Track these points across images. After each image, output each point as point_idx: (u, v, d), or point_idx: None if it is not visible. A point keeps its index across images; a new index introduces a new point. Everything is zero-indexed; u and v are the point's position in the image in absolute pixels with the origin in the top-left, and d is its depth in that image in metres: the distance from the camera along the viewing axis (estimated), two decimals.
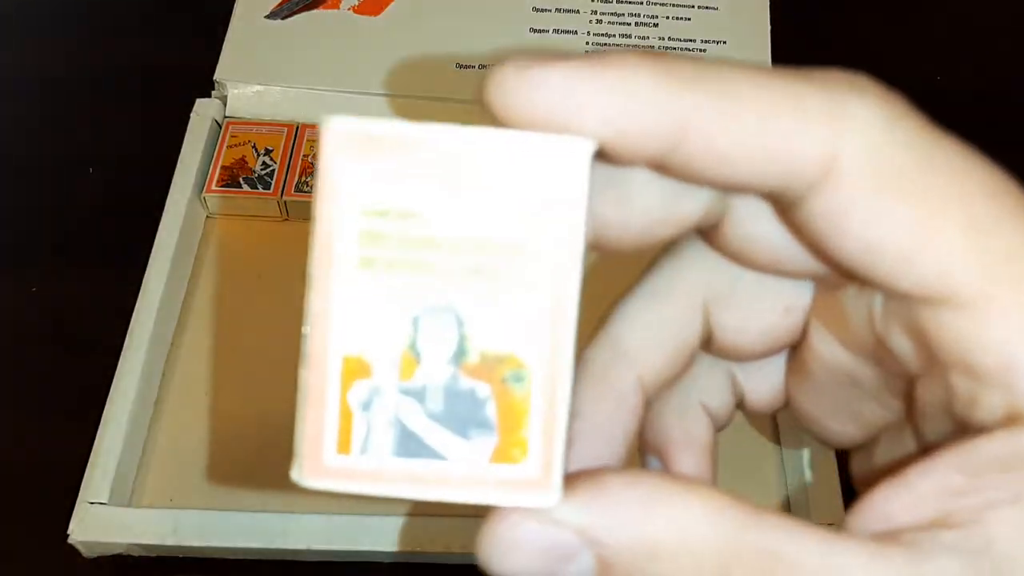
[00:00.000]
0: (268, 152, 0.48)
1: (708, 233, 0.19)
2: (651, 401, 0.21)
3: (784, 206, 0.17)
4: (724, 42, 0.50)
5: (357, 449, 0.15)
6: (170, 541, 0.37)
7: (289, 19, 0.51)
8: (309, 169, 0.47)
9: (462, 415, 0.15)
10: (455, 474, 0.15)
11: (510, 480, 0.15)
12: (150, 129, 0.50)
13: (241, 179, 0.47)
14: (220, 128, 0.49)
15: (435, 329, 0.15)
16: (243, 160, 0.48)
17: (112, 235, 0.47)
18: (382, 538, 0.37)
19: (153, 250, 0.44)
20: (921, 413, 0.19)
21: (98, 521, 0.37)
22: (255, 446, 0.41)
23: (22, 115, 0.52)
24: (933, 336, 0.17)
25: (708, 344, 0.21)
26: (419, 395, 0.15)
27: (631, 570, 0.16)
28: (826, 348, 0.20)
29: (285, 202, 0.47)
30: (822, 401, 0.21)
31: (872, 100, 0.16)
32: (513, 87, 0.16)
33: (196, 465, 0.41)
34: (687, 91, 0.16)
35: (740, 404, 0.23)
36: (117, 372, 0.41)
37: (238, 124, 0.49)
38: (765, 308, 0.20)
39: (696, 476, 0.21)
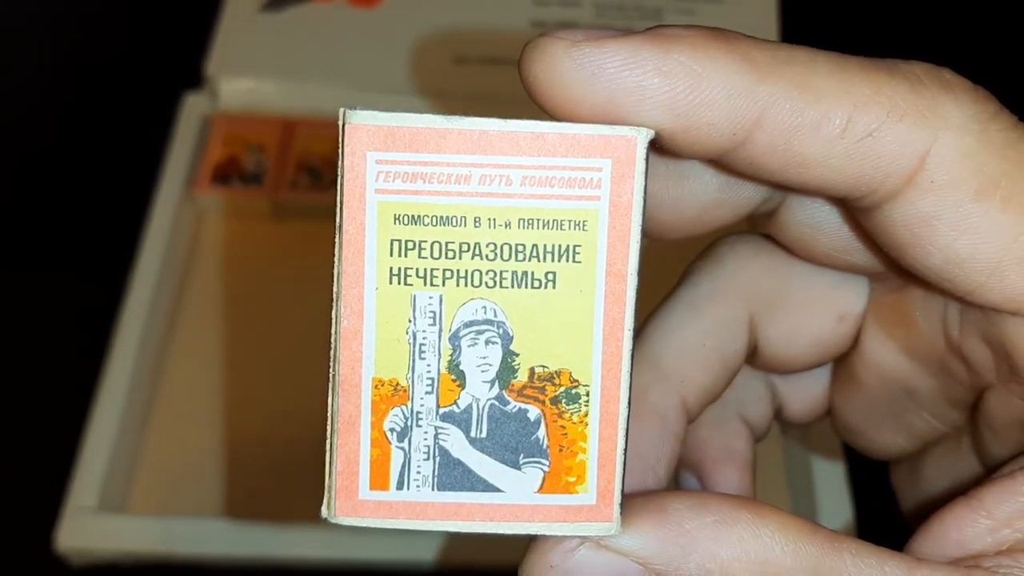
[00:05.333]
0: (261, 149, 0.47)
1: (765, 219, 0.18)
2: (692, 421, 0.19)
3: (857, 211, 0.16)
4: None
5: (395, 483, 0.13)
6: (162, 549, 0.37)
7: (283, 11, 0.50)
8: (304, 166, 0.46)
9: (510, 441, 0.13)
10: (504, 505, 0.13)
11: (564, 509, 0.14)
12: (136, 125, 0.49)
13: (233, 177, 0.46)
14: (210, 124, 0.48)
15: (478, 346, 0.13)
16: (234, 157, 0.47)
17: (99, 236, 0.47)
18: (378, 548, 0.37)
19: (142, 250, 0.43)
20: (989, 426, 0.18)
21: (87, 528, 0.37)
22: (250, 451, 0.41)
23: None
24: (1021, 349, 0.16)
25: (752, 357, 0.20)
26: (462, 421, 0.13)
27: None
28: (883, 355, 0.19)
29: (279, 201, 0.46)
30: (870, 412, 0.20)
31: (964, 98, 0.15)
32: (562, 67, 0.14)
33: (189, 472, 0.40)
34: (764, 80, 0.14)
35: (778, 415, 0.22)
36: (105, 374, 0.40)
37: (229, 120, 0.48)
38: (817, 317, 0.19)
39: (737, 495, 0.20)
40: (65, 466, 0.38)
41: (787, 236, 0.18)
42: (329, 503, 0.14)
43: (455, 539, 0.37)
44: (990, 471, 0.17)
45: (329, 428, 0.14)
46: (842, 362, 0.20)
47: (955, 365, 0.18)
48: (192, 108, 0.48)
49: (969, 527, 0.16)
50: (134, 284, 0.42)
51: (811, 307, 0.19)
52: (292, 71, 0.49)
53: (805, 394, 0.21)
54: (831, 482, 0.38)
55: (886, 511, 0.23)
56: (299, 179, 0.46)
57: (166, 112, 0.48)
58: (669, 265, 0.20)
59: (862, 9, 0.57)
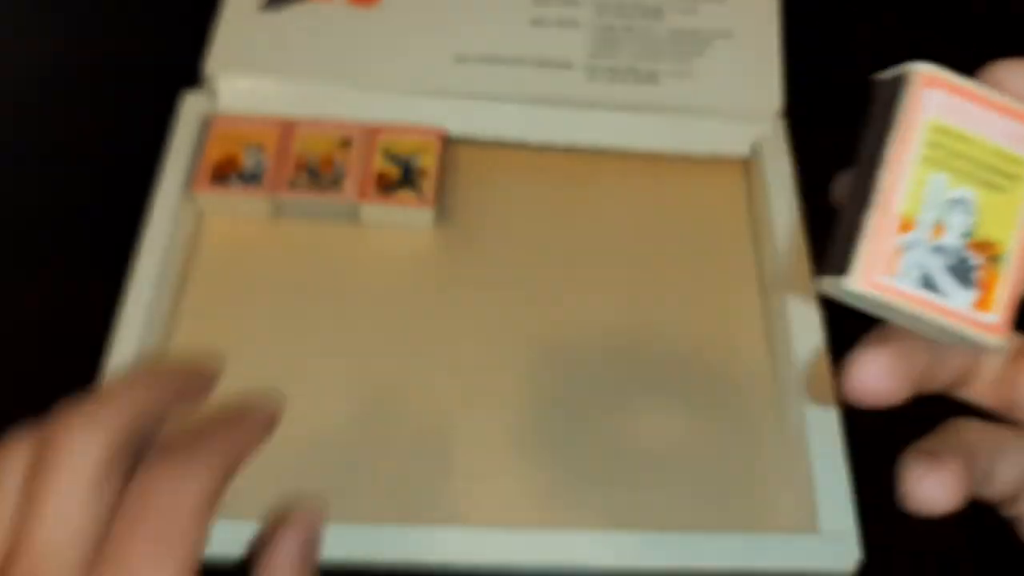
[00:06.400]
0: (260, 148, 0.47)
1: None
2: None
3: None
4: (731, 36, 0.49)
5: (898, 273, 0.22)
6: None
7: (282, 10, 0.50)
8: (303, 165, 0.46)
9: (962, 272, 0.22)
10: (950, 309, 0.22)
11: (981, 322, 0.22)
12: (135, 124, 0.49)
13: (232, 176, 0.46)
14: (209, 123, 0.48)
15: (958, 213, 0.22)
16: (233, 157, 0.47)
17: (99, 235, 0.47)
18: (378, 548, 0.37)
19: (141, 249, 0.43)
20: None
21: None
22: None
23: None
24: None
25: None
26: (940, 251, 0.22)
27: None
28: None
29: (278, 200, 0.46)
30: None
31: None
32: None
33: None
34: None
35: None
36: (105, 374, 0.40)
37: (228, 119, 0.48)
38: None
39: None
40: None
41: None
42: (854, 274, 0.21)
43: (455, 538, 0.37)
44: None
45: (861, 232, 0.22)
46: None
47: None
48: (191, 107, 0.48)
49: None
50: (134, 284, 0.42)
51: None
52: (291, 70, 0.49)
53: None
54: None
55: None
56: (298, 178, 0.46)
57: (165, 111, 0.48)
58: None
59: (863, 9, 0.57)
